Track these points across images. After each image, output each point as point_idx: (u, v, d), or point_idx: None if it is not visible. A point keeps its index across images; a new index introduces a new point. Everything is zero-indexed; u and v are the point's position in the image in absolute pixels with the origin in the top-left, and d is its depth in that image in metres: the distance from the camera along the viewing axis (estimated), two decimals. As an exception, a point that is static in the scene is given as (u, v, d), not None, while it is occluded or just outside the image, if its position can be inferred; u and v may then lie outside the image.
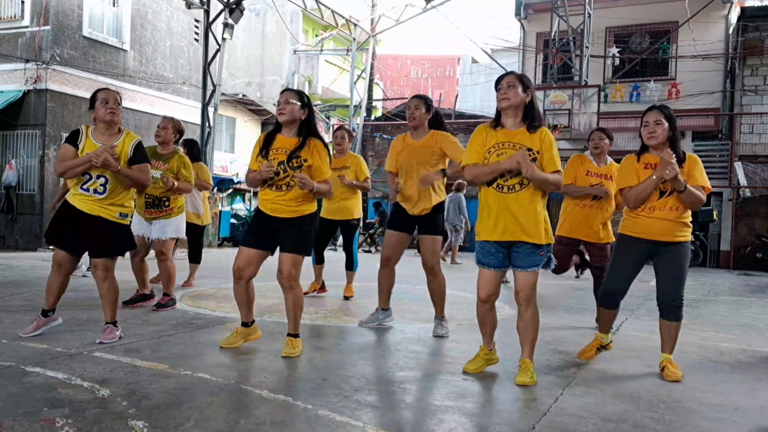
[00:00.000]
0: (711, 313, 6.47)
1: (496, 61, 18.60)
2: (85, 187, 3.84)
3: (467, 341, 4.40)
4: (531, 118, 3.37)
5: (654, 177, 3.47)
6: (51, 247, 4.00)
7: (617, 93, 16.66)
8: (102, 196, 3.84)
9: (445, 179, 4.57)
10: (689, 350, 4.47)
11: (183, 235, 5.60)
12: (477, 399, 3.08)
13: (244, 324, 3.98)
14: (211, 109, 14.42)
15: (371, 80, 20.64)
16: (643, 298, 7.19)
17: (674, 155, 3.44)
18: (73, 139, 3.90)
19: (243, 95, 20.15)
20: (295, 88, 22.53)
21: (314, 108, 4.04)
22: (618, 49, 16.95)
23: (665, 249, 3.59)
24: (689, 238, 3.62)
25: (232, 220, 16.20)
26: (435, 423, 2.70)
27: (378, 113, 23.57)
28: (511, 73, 3.45)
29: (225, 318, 4.98)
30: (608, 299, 3.81)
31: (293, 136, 3.78)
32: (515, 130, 3.36)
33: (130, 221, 4.09)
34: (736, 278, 11.91)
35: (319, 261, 6.56)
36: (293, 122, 3.76)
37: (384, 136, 20.63)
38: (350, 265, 6.55)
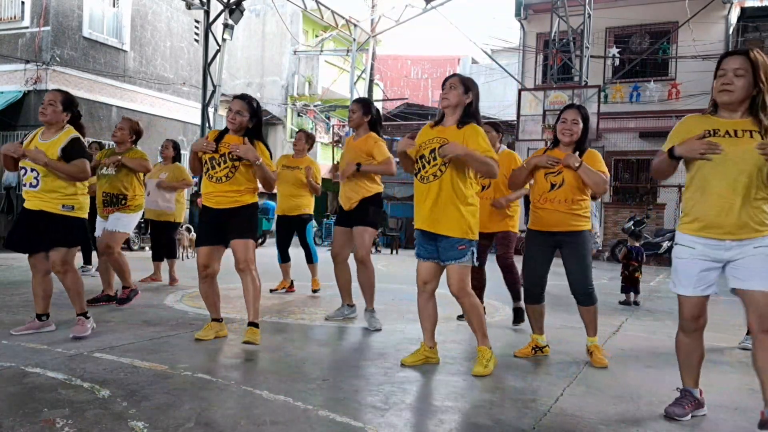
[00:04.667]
0: (711, 313, 6.45)
1: (496, 62, 18.60)
2: (23, 182, 3.99)
3: (468, 342, 4.40)
4: (466, 116, 3.55)
5: (532, 162, 3.84)
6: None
7: (617, 93, 16.66)
8: (36, 189, 3.92)
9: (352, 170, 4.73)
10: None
11: (130, 231, 5.58)
12: (477, 399, 3.08)
13: (215, 320, 4.20)
14: (211, 110, 14.42)
15: (371, 81, 20.63)
16: (642, 299, 7.19)
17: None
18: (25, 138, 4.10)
19: (243, 96, 20.13)
20: (295, 88, 22.67)
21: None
22: (618, 50, 16.95)
23: (566, 240, 3.81)
24: (586, 227, 3.83)
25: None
26: (435, 423, 2.70)
27: (378, 114, 23.50)
28: (455, 75, 3.66)
29: (225, 318, 4.96)
30: (528, 294, 4.00)
31: (240, 137, 4.07)
32: (447, 127, 3.58)
33: (84, 216, 4.07)
34: (736, 278, 11.89)
35: (284, 259, 6.67)
36: (240, 130, 4.08)
37: (384, 136, 20.61)
38: (309, 258, 6.69)
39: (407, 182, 15.84)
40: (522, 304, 4.97)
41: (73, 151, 3.94)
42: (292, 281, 6.74)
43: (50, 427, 2.41)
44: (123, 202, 5.35)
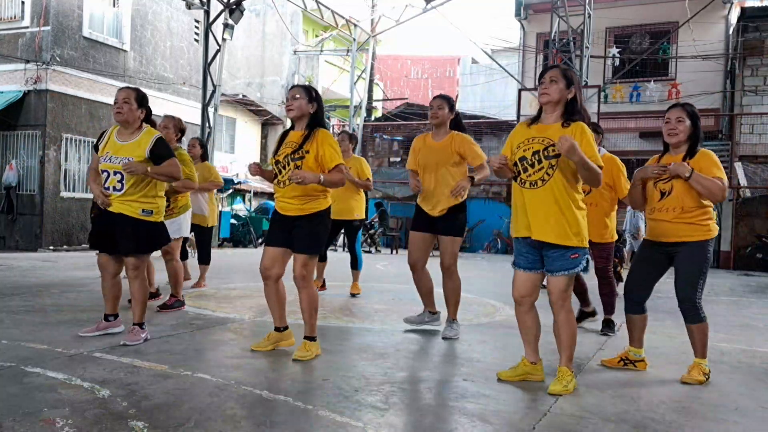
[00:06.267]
0: (711, 313, 6.43)
1: (497, 62, 18.59)
2: (106, 185, 3.92)
3: (467, 341, 4.40)
4: (570, 113, 3.25)
5: (638, 176, 3.60)
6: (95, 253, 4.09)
7: (617, 93, 16.67)
8: (120, 193, 3.88)
9: (469, 183, 4.40)
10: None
11: (186, 234, 5.61)
12: (477, 399, 3.07)
13: (277, 329, 3.94)
14: (211, 110, 14.41)
15: (371, 81, 20.65)
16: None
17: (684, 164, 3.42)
18: (98, 142, 4.04)
19: (243, 96, 20.16)
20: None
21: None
22: (618, 50, 16.96)
23: (677, 250, 3.54)
24: (701, 237, 3.49)
25: (232, 221, 16.20)
26: (435, 423, 2.70)
27: (378, 114, 23.58)
28: (556, 66, 3.33)
29: (225, 318, 4.98)
30: (627, 302, 3.80)
31: (301, 130, 3.82)
32: (549, 125, 3.26)
33: (161, 219, 4.07)
34: (736, 278, 11.90)
35: (321, 259, 6.67)
36: (302, 117, 3.81)
37: (384, 136, 20.64)
38: (355, 264, 6.72)
39: (407, 182, 15.84)
40: (612, 317, 4.95)
41: (162, 151, 3.91)
42: (324, 281, 6.79)
43: (50, 427, 2.41)
44: (167, 205, 5.20)
